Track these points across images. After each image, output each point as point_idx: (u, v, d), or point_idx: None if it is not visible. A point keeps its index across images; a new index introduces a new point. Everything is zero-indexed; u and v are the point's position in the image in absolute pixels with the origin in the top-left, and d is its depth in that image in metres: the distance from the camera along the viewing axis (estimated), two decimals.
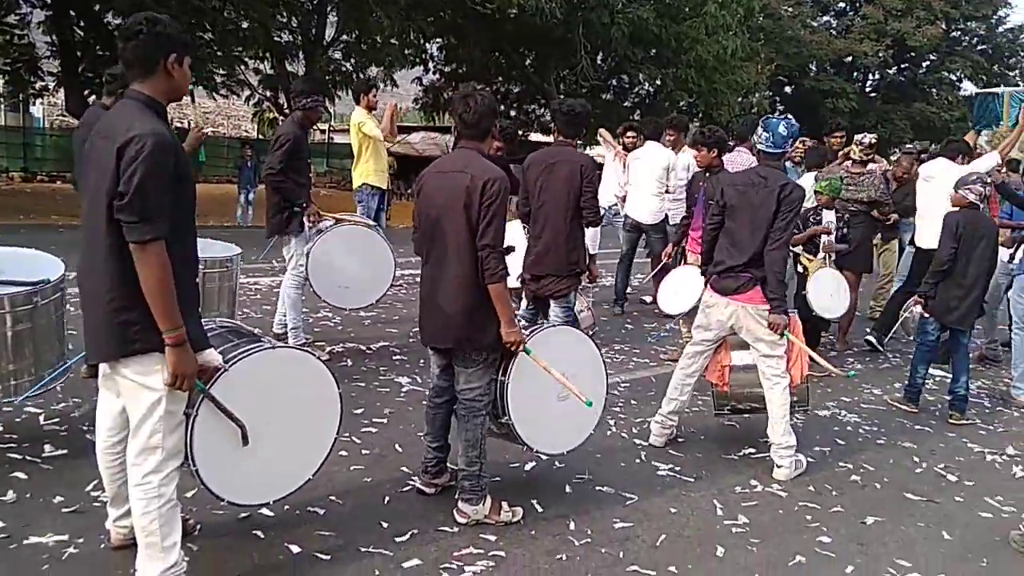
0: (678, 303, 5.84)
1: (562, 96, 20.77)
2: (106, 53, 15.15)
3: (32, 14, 16.22)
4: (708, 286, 4.32)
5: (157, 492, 2.43)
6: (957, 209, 5.34)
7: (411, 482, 3.64)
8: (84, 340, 2.49)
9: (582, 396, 3.36)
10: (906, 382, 5.65)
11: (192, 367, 2.38)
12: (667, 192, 7.59)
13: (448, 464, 3.59)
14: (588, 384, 3.52)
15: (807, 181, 6.77)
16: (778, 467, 4.17)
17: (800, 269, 6.17)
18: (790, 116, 4.29)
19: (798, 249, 6.12)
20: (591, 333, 5.43)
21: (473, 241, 3.10)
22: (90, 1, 15.18)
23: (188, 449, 2.53)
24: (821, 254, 6.36)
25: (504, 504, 3.38)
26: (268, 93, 20.08)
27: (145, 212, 2.20)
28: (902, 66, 33.08)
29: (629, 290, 8.34)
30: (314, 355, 3.07)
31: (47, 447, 3.67)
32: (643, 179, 7.59)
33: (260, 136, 24.99)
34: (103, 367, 2.53)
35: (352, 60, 20.15)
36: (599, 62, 22.11)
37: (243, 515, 3.15)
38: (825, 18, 33.80)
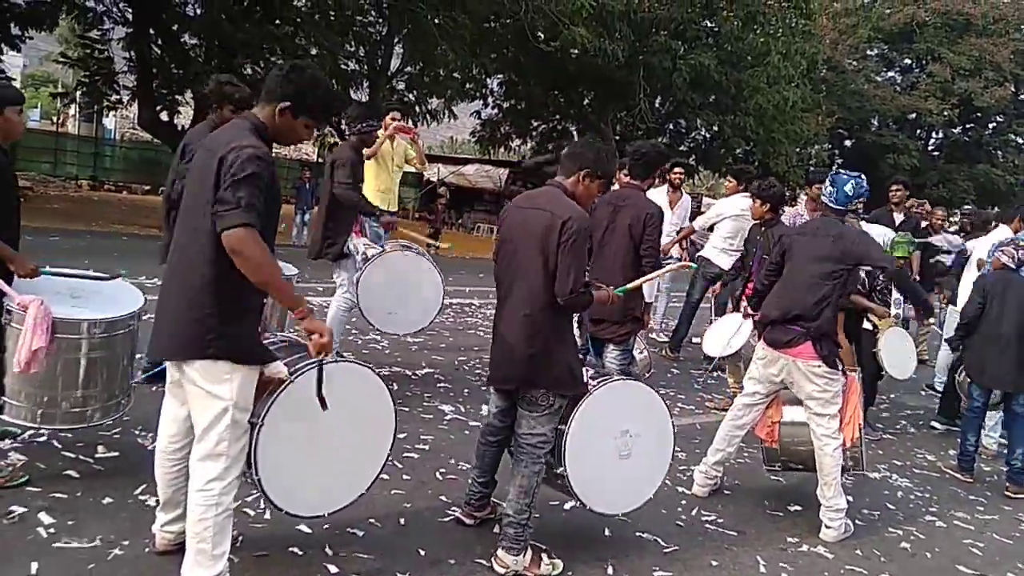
0: (720, 346, 5.77)
1: (618, 137, 20.90)
2: (180, 71, 15.74)
3: (113, 30, 16.97)
4: (761, 339, 4.25)
5: (216, 500, 2.47)
6: (991, 270, 5.41)
7: (450, 512, 3.62)
8: (151, 340, 2.56)
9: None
10: (958, 451, 5.47)
11: (328, 328, 2.51)
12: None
13: (492, 499, 3.55)
14: (652, 447, 3.47)
15: (876, 231, 6.66)
16: (827, 528, 4.05)
17: (869, 326, 6.00)
18: (862, 176, 4.20)
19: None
20: (648, 374, 5.40)
21: (546, 282, 3.03)
22: (169, 21, 15.82)
23: (252, 457, 2.57)
24: (894, 310, 6.21)
25: (545, 556, 3.26)
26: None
27: (241, 200, 2.28)
28: (967, 126, 32.49)
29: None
30: (373, 370, 3.06)
31: (100, 448, 3.76)
32: (733, 231, 7.30)
33: (319, 159, 25.58)
34: (171, 374, 2.59)
35: (414, 92, 20.57)
36: (657, 105, 22.19)
37: (282, 530, 3.17)
38: (890, 74, 33.45)
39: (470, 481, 3.53)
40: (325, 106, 2.60)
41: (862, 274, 5.55)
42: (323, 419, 2.73)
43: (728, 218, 7.32)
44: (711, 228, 7.67)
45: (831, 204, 4.16)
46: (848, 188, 4.11)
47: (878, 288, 5.95)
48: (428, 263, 5.99)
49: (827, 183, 4.20)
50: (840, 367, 4.06)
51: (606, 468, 3.35)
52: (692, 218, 8.41)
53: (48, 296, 3.18)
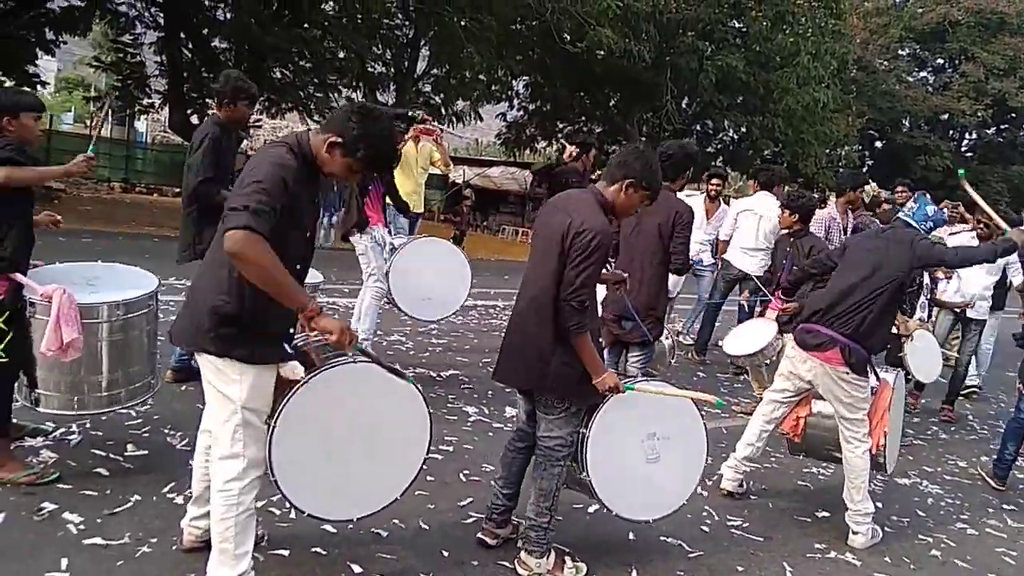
0: (740, 345, 5.72)
1: (643, 139, 20.81)
2: (210, 75, 15.96)
3: (145, 35, 17.26)
4: (792, 338, 4.22)
5: (237, 500, 2.49)
6: None
7: (473, 513, 3.62)
8: (172, 325, 2.61)
9: (710, 398, 3.34)
10: (995, 456, 5.34)
11: (338, 324, 2.44)
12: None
13: (513, 516, 3.46)
14: (682, 451, 3.40)
15: None
16: (854, 534, 3.99)
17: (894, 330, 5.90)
18: (943, 209, 4.31)
19: None
20: (672, 360, 5.36)
21: (554, 285, 2.97)
22: (200, 26, 16.05)
23: (268, 459, 2.55)
24: (919, 314, 6.12)
25: (568, 560, 3.22)
26: None
27: (249, 204, 2.26)
28: (1001, 127, 31.94)
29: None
30: (405, 375, 2.88)
31: (129, 447, 3.81)
32: (753, 231, 7.23)
33: None
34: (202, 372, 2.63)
35: (441, 94, 20.67)
36: (684, 106, 22.07)
37: (306, 529, 3.19)
38: (922, 74, 33.00)
39: (494, 492, 3.42)
40: (378, 158, 2.53)
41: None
42: (344, 422, 2.71)
43: (744, 215, 7.30)
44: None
45: (907, 218, 4.12)
46: (929, 210, 4.09)
47: (905, 294, 5.86)
48: (452, 247, 6.10)
49: (912, 199, 4.19)
50: (871, 373, 4.00)
51: (633, 473, 3.27)
52: None
53: (66, 285, 3.27)
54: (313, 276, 4.96)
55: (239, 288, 2.40)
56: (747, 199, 7.44)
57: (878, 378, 4.05)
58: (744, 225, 7.27)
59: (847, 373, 3.89)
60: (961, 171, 5.08)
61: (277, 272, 2.30)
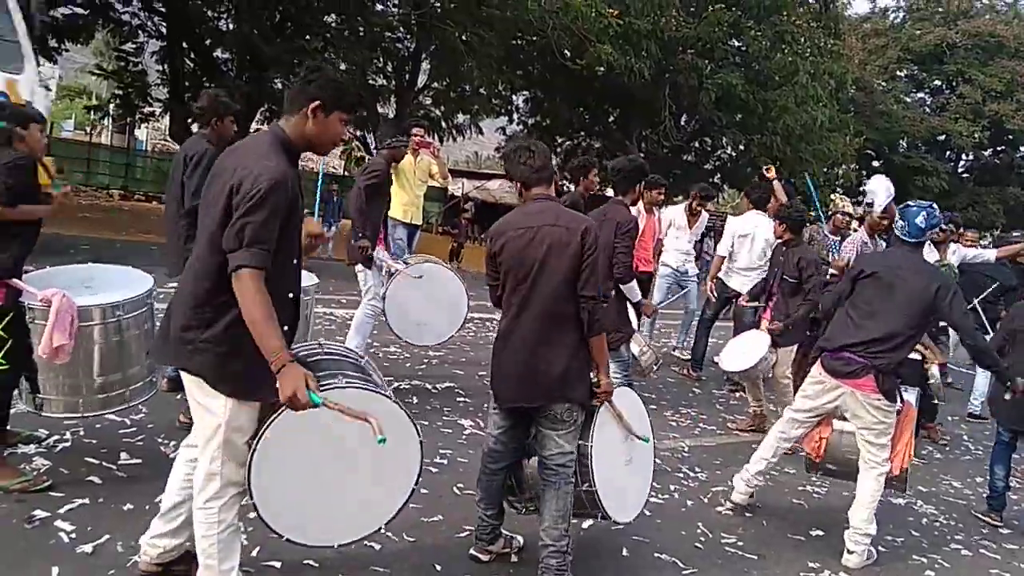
0: (735, 361, 5.73)
1: (642, 155, 20.88)
2: (211, 84, 16.01)
3: (147, 44, 17.32)
4: (819, 363, 4.15)
5: (217, 518, 2.46)
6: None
7: (467, 527, 3.61)
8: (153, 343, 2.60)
9: (639, 434, 3.39)
10: (988, 489, 5.15)
11: (298, 386, 2.24)
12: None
13: (505, 532, 3.45)
14: (641, 449, 3.50)
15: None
16: (849, 552, 3.97)
17: (916, 356, 5.89)
18: (933, 206, 4.09)
19: None
20: (655, 370, 5.40)
21: (567, 294, 3.01)
22: (202, 36, 16.12)
23: (247, 481, 2.47)
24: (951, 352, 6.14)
25: None
26: (358, 132, 20.79)
27: (244, 238, 2.23)
28: (998, 148, 32.11)
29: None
30: (399, 404, 2.76)
31: (123, 455, 3.80)
32: (747, 252, 7.26)
33: (346, 173, 25.83)
34: (188, 394, 2.55)
35: (441, 107, 20.74)
36: (683, 123, 22.18)
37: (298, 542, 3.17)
38: (920, 95, 33.20)
39: (479, 516, 3.38)
40: (352, 96, 2.59)
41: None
42: (328, 447, 2.60)
43: (740, 238, 7.31)
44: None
45: (905, 237, 4.07)
46: (919, 220, 4.01)
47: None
48: (448, 271, 6.10)
49: (898, 216, 4.12)
50: (899, 398, 3.99)
51: (621, 477, 3.36)
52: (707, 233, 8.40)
53: (62, 288, 3.28)
54: (307, 278, 4.93)
55: (211, 304, 2.35)
56: (741, 220, 7.43)
57: (902, 400, 4.04)
58: (739, 248, 7.31)
59: (879, 399, 3.87)
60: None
61: (264, 316, 2.24)
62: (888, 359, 3.84)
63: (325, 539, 2.77)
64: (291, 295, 2.52)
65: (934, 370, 5.51)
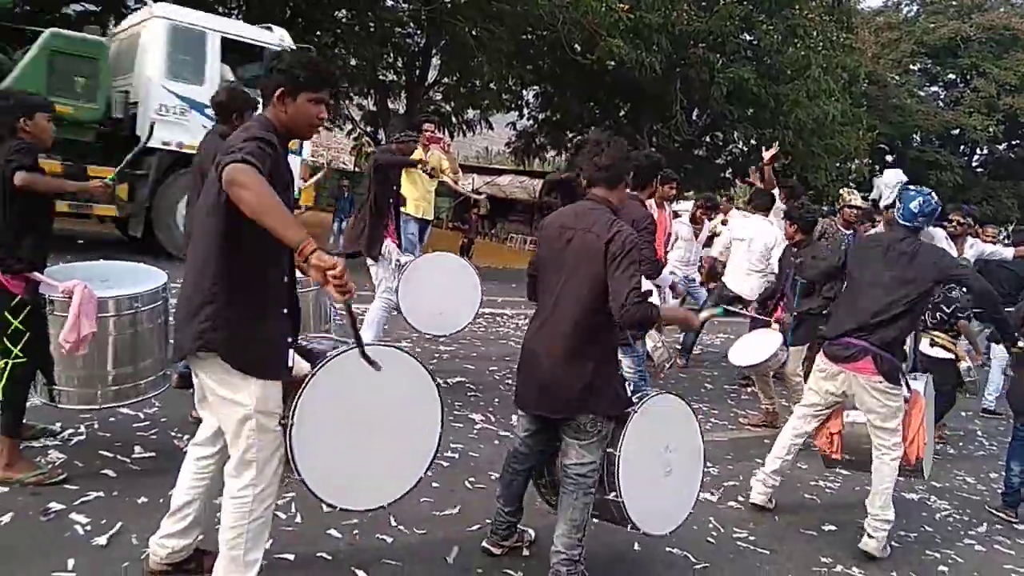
0: (746, 356, 5.72)
1: (653, 149, 20.83)
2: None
3: None
4: (821, 351, 4.19)
5: (250, 507, 2.43)
6: None
7: (479, 521, 3.60)
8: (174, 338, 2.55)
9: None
10: (1003, 485, 5.12)
11: (331, 261, 2.12)
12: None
13: (519, 527, 3.44)
14: (686, 460, 3.33)
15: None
16: (869, 536, 3.97)
17: (935, 352, 5.85)
18: (932, 194, 4.09)
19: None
20: (668, 367, 5.38)
21: (595, 305, 2.89)
22: None
23: (291, 459, 2.46)
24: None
25: None
26: (368, 128, 20.84)
27: (243, 150, 2.16)
28: (1013, 142, 31.86)
29: (714, 350, 8.20)
30: (409, 353, 2.87)
31: (137, 448, 3.83)
32: (744, 255, 7.20)
33: (356, 169, 25.89)
34: (196, 391, 2.56)
35: (451, 102, 20.76)
36: (694, 118, 22.10)
37: (311, 534, 3.19)
38: (933, 88, 32.98)
39: (497, 510, 3.37)
40: (318, 74, 2.45)
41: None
42: (359, 409, 2.64)
43: (735, 242, 7.27)
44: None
45: (899, 220, 4.11)
46: (914, 205, 4.03)
47: (948, 318, 5.80)
48: (460, 260, 6.14)
49: (897, 197, 4.16)
50: (903, 381, 4.00)
51: (655, 488, 3.21)
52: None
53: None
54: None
55: (222, 284, 2.33)
56: (740, 224, 7.39)
57: (909, 388, 4.04)
58: (735, 250, 7.28)
59: (880, 382, 3.90)
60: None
61: (272, 199, 2.14)
62: (880, 336, 3.88)
63: (374, 501, 2.80)
64: (285, 279, 2.51)
65: (963, 365, 5.50)
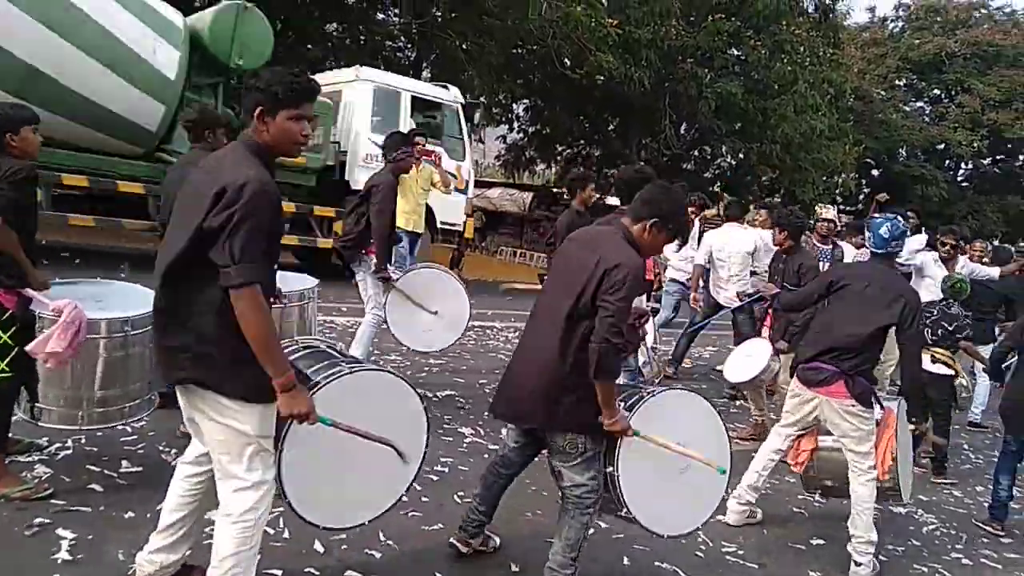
0: (739, 372, 5.74)
1: (641, 163, 20.94)
2: None
3: None
4: (795, 377, 4.23)
5: (252, 532, 2.39)
6: None
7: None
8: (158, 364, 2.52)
9: (712, 463, 3.14)
10: (990, 498, 5.14)
11: (307, 405, 2.34)
12: (754, 274, 7.32)
13: (486, 531, 3.48)
14: (710, 446, 3.23)
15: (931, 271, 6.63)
16: (856, 565, 3.95)
17: (945, 370, 5.88)
18: (898, 218, 4.22)
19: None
20: (656, 382, 5.39)
21: (576, 325, 2.85)
22: None
23: (279, 483, 2.49)
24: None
25: None
26: None
27: (242, 255, 2.18)
28: (997, 157, 32.21)
29: (703, 363, 8.23)
30: (399, 376, 2.98)
31: (124, 463, 3.80)
32: (725, 265, 7.27)
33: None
34: (184, 411, 2.50)
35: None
36: (682, 132, 22.25)
37: (300, 549, 3.17)
38: (919, 104, 33.33)
39: (470, 508, 3.41)
40: (295, 90, 2.37)
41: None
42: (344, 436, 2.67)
43: (718, 251, 7.31)
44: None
45: (873, 249, 4.19)
46: (883, 231, 4.12)
47: (950, 335, 5.82)
48: (448, 275, 6.11)
49: (865, 229, 4.23)
50: (875, 403, 4.01)
51: (669, 490, 3.14)
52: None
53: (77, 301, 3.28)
54: (305, 281, 4.88)
55: (203, 315, 2.30)
56: (716, 234, 7.45)
57: (882, 407, 4.06)
58: (717, 261, 7.32)
59: (853, 406, 3.92)
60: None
61: (268, 332, 2.25)
62: (853, 364, 3.92)
63: (358, 519, 2.85)
64: (271, 300, 2.49)
65: (962, 382, 5.53)
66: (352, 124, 11.31)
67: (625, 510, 3.04)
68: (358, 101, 11.34)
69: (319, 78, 11.71)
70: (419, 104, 11.88)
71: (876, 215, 4.31)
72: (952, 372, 5.87)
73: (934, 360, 5.80)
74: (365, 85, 11.43)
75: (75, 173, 8.65)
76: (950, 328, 5.79)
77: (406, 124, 11.23)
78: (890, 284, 4.05)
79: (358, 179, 10.56)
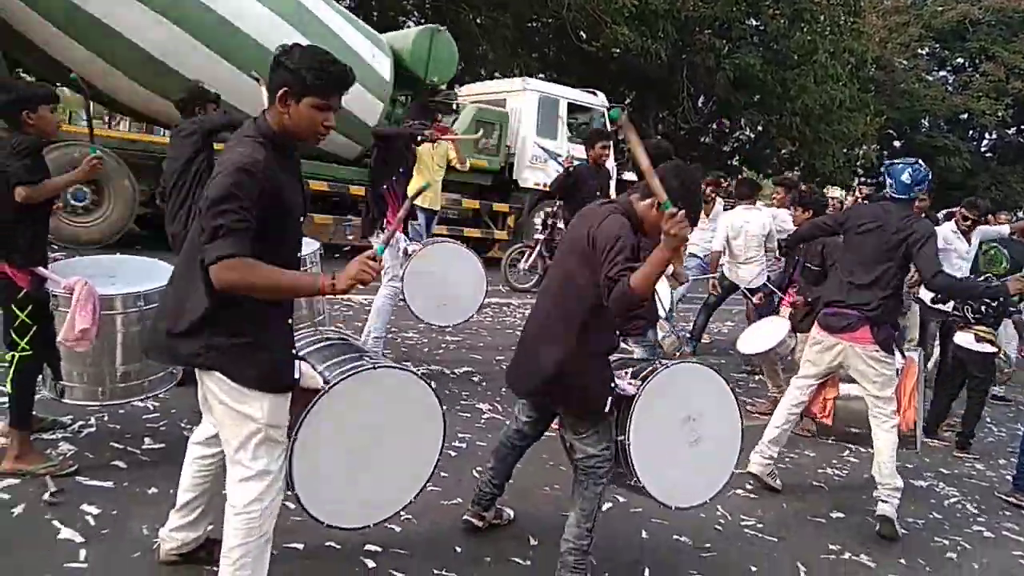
0: (753, 344, 5.71)
1: (659, 137, 20.74)
2: None
3: None
4: (816, 322, 4.28)
5: (259, 523, 2.32)
6: None
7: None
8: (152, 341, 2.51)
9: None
10: (1015, 470, 5.05)
11: (357, 265, 2.16)
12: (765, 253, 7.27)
13: (499, 506, 3.51)
14: (723, 421, 3.24)
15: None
16: (883, 502, 4.06)
17: (981, 347, 5.81)
18: (919, 162, 4.21)
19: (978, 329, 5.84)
20: (678, 355, 5.38)
21: (573, 292, 2.87)
22: None
23: (288, 476, 2.47)
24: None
25: None
26: None
27: (219, 229, 2.09)
28: (1021, 127, 31.58)
29: (721, 338, 8.19)
30: (417, 374, 2.94)
31: (147, 440, 3.85)
32: (742, 246, 7.19)
33: None
34: (200, 392, 2.43)
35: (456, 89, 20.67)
36: (700, 105, 21.99)
37: (320, 525, 3.20)
38: (942, 73, 32.64)
39: (483, 479, 3.44)
40: (327, 78, 2.23)
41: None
42: (359, 429, 2.70)
43: (733, 231, 7.22)
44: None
45: (894, 195, 4.18)
46: (905, 177, 4.13)
47: (995, 311, 5.74)
48: (464, 249, 6.09)
49: (885, 175, 4.27)
50: (896, 350, 4.08)
51: (680, 461, 3.16)
52: None
53: (87, 277, 3.33)
54: (308, 244, 4.84)
55: (211, 301, 2.22)
56: (731, 215, 7.35)
57: (904, 356, 4.11)
58: (733, 242, 7.24)
59: (876, 351, 3.99)
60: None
61: (272, 278, 2.16)
62: (877, 307, 3.96)
63: (361, 520, 2.85)
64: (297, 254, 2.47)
65: (1002, 358, 5.51)
66: (519, 129, 12.78)
67: (635, 479, 3.04)
68: (524, 108, 12.82)
69: (486, 87, 14.15)
70: (572, 108, 13.28)
71: (895, 161, 4.26)
72: (995, 349, 5.80)
73: (978, 339, 5.72)
74: (532, 94, 12.93)
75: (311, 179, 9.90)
76: (995, 304, 5.67)
77: (564, 127, 12.90)
78: (904, 225, 4.05)
79: (526, 178, 12.79)
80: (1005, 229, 7.26)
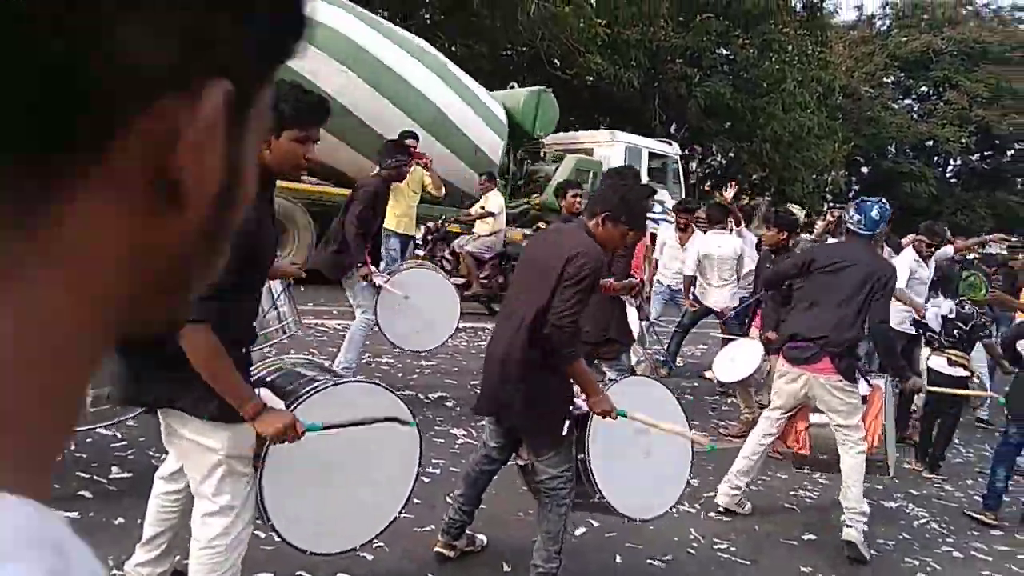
0: (730, 371, 5.78)
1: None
2: None
3: None
4: (780, 355, 4.35)
5: (224, 557, 2.26)
6: None
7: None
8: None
9: (703, 440, 3.27)
10: (985, 488, 5.17)
11: (285, 419, 2.18)
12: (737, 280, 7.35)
13: (468, 531, 3.48)
14: (663, 436, 3.27)
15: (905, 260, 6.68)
16: (848, 527, 4.08)
17: (954, 371, 5.87)
18: (883, 200, 4.37)
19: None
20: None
21: (539, 317, 2.89)
22: None
23: (260, 504, 2.40)
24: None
25: None
26: None
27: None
28: (985, 153, 32.40)
29: (695, 361, 8.25)
30: (389, 389, 2.92)
31: (114, 469, 3.79)
32: (714, 270, 7.29)
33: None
34: (162, 427, 2.36)
35: None
36: (672, 131, 22.30)
37: (291, 552, 3.17)
38: (907, 101, 33.51)
39: (454, 508, 3.40)
40: (304, 110, 2.23)
41: (936, 325, 5.70)
42: (333, 449, 2.63)
43: (705, 257, 7.32)
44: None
45: (860, 231, 4.28)
46: (874, 213, 4.24)
47: (967, 335, 5.82)
48: (436, 273, 6.12)
49: (852, 211, 4.37)
50: (860, 378, 4.15)
51: (638, 474, 3.23)
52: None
53: None
54: (275, 286, 4.77)
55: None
56: (703, 240, 7.46)
57: (869, 384, 4.19)
58: (705, 266, 7.33)
59: (839, 380, 4.05)
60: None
61: (219, 366, 2.09)
62: (838, 342, 4.04)
63: (340, 545, 2.79)
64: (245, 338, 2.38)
65: (975, 381, 5.60)
66: None
67: (599, 495, 3.08)
68: (613, 157, 13.87)
69: (573, 137, 15.53)
70: (651, 156, 14.66)
71: (864, 199, 4.40)
72: (968, 373, 5.87)
73: (951, 362, 5.77)
74: (619, 145, 14.41)
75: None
76: (967, 328, 5.75)
77: (645, 176, 13.42)
78: (877, 266, 4.16)
79: None
80: (949, 250, 7.42)
